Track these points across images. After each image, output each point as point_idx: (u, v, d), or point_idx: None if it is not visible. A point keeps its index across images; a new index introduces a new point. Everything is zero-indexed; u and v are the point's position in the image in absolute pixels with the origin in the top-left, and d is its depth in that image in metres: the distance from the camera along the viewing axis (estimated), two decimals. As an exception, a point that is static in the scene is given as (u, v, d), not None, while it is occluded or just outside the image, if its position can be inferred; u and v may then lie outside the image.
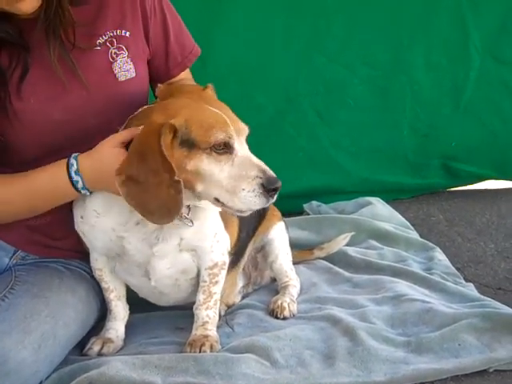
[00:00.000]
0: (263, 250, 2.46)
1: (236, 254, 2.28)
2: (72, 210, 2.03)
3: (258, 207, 1.83)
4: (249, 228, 2.35)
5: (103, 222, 1.95)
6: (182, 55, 2.23)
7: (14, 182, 1.96)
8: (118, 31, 2.06)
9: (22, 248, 2.17)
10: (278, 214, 2.52)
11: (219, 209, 2.02)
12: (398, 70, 3.50)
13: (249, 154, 1.84)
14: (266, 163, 3.27)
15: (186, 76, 2.27)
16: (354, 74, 3.49)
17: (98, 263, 2.11)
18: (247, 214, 1.86)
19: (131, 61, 2.07)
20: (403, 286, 2.42)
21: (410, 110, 3.56)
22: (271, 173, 1.80)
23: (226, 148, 1.79)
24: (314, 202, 3.37)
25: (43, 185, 1.94)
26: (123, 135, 1.86)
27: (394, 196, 3.55)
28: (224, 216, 2.10)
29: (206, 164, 1.79)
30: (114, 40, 2.05)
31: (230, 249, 2.15)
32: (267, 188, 1.78)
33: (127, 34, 2.07)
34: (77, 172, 1.89)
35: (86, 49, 2.01)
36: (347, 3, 3.41)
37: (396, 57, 3.48)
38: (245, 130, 1.87)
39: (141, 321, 2.30)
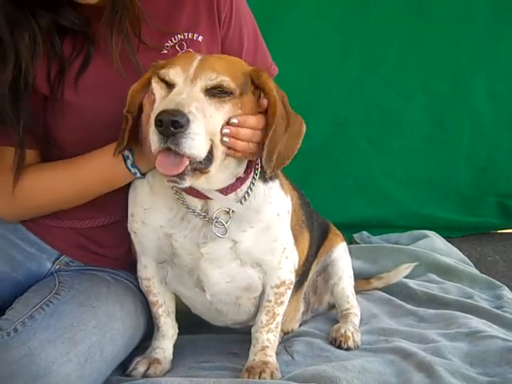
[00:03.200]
0: (325, 271, 2.25)
1: (302, 275, 2.08)
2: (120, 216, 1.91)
3: (153, 148, 1.50)
4: (315, 247, 2.14)
5: (151, 217, 1.78)
6: None
7: (60, 167, 1.85)
8: (190, 34, 1.88)
9: (66, 252, 1.99)
10: (340, 234, 2.32)
11: (288, 221, 1.83)
12: (458, 100, 3.37)
13: (181, 91, 1.54)
14: (314, 190, 3.15)
15: None
16: (410, 101, 3.37)
17: (147, 271, 1.90)
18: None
19: None
20: (478, 323, 2.20)
21: (468, 142, 3.42)
22: (171, 104, 1.48)
23: (168, 85, 1.59)
24: (365, 233, 3.19)
25: (93, 172, 1.82)
26: None
27: (443, 233, 3.30)
28: (295, 232, 1.91)
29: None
30: (185, 44, 1.87)
31: (297, 267, 1.94)
32: (154, 119, 1.47)
33: (200, 38, 1.89)
34: (133, 164, 1.75)
35: (152, 48, 1.84)
36: (405, 28, 3.31)
37: (456, 86, 3.36)
38: (205, 75, 1.55)
39: (187, 342, 2.10)
